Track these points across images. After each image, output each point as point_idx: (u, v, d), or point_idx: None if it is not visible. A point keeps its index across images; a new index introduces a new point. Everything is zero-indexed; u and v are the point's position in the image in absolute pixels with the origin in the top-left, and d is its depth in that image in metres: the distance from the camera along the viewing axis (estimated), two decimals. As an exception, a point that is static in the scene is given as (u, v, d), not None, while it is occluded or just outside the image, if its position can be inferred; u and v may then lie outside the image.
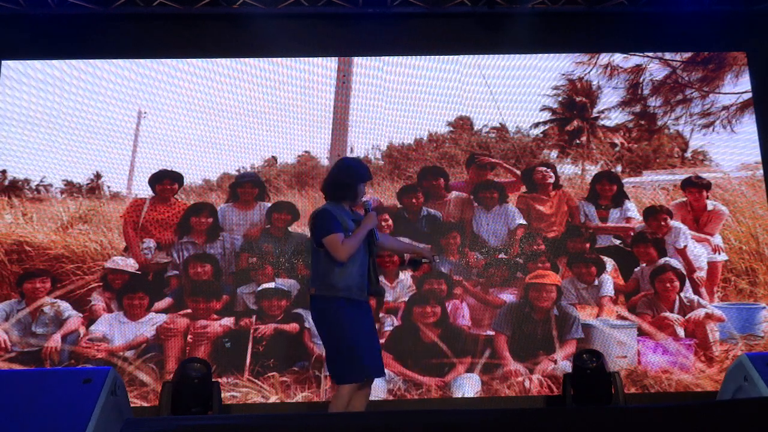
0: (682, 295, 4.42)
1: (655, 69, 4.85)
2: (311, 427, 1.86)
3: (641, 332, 4.37)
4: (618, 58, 4.86)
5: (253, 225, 4.51)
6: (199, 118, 4.64)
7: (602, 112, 4.89)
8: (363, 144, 4.71)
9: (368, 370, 3.19)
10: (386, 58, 4.73)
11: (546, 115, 4.87)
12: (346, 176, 3.31)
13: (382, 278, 4.39)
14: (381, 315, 4.33)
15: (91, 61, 4.66)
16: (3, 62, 4.63)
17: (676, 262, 4.48)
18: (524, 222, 4.56)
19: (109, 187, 4.58)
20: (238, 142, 4.64)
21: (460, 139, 4.79)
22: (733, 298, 4.46)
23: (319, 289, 3.19)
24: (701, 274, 4.48)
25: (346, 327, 3.14)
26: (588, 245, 4.54)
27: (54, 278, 4.36)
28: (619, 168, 4.77)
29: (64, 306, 4.32)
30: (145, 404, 4.12)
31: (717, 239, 4.55)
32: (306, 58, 4.72)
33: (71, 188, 4.57)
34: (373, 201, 4.55)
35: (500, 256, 4.51)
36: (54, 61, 4.65)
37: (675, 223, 4.57)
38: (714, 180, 4.67)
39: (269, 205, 4.56)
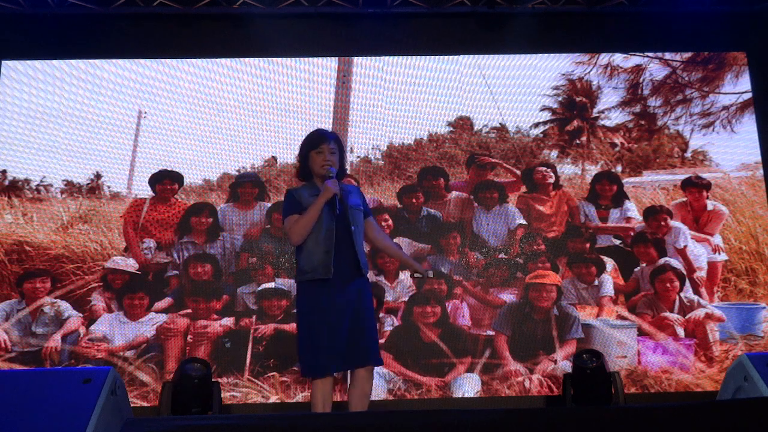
0: (682, 295, 4.42)
1: (655, 69, 4.85)
2: (311, 427, 1.86)
3: (641, 332, 4.37)
4: (618, 58, 4.86)
5: (253, 225, 4.51)
6: (199, 118, 4.65)
7: (602, 112, 4.89)
8: (363, 144, 4.71)
9: (325, 368, 2.87)
10: (386, 58, 4.73)
11: (546, 115, 4.87)
12: (299, 151, 3.10)
13: (381, 278, 4.39)
14: (381, 315, 4.33)
15: (91, 61, 4.66)
16: (3, 62, 4.63)
17: (676, 262, 4.48)
18: (524, 222, 4.56)
19: (109, 187, 4.58)
20: (238, 142, 4.64)
21: (460, 139, 4.79)
22: (733, 298, 4.46)
23: (296, 277, 3.05)
24: (701, 274, 4.48)
25: (304, 314, 2.95)
26: (588, 245, 4.54)
27: (54, 278, 4.36)
28: (619, 168, 4.77)
29: (64, 306, 4.32)
30: (145, 404, 4.12)
31: (717, 239, 4.55)
32: (306, 58, 4.72)
33: (71, 188, 4.57)
34: (373, 201, 4.54)
35: (500, 256, 4.51)
36: (54, 61, 4.64)
37: (675, 223, 4.57)
38: (714, 180, 4.67)
39: (269, 205, 4.56)
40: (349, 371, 3.08)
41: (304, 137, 3.10)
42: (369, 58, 4.73)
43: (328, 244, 2.92)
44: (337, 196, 2.91)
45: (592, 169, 4.75)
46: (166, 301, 4.35)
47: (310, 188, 3.03)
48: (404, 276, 4.41)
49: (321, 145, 3.01)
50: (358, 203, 3.08)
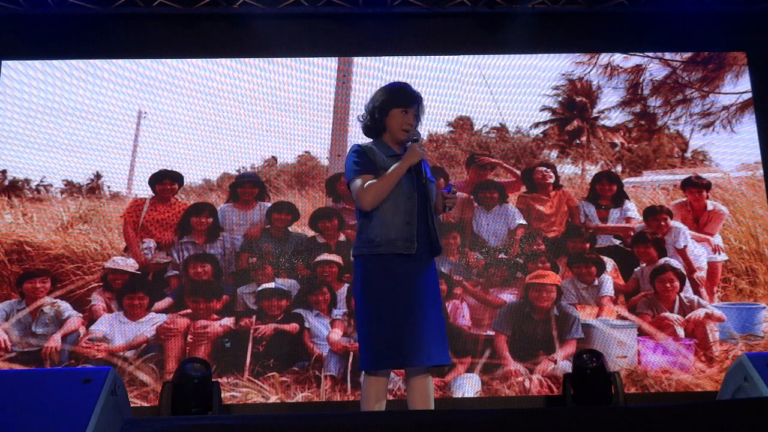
0: (682, 295, 4.42)
1: (655, 69, 4.85)
2: (311, 427, 1.86)
3: (641, 332, 4.37)
4: (618, 58, 4.86)
5: (253, 225, 4.51)
6: (199, 118, 4.65)
7: (602, 112, 4.89)
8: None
9: (386, 360, 2.47)
10: (386, 58, 4.73)
11: (546, 115, 4.87)
12: (374, 103, 2.70)
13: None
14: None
15: (91, 61, 4.66)
16: (3, 62, 4.63)
17: (676, 262, 4.48)
18: (524, 222, 4.56)
19: (109, 187, 4.58)
20: (238, 142, 4.64)
21: (460, 139, 4.79)
22: (733, 298, 4.46)
23: (355, 250, 2.58)
24: (701, 274, 4.48)
25: (369, 293, 2.50)
26: (588, 245, 4.54)
27: (54, 278, 4.36)
28: (619, 168, 4.77)
29: (64, 306, 4.32)
30: (145, 404, 4.12)
31: (717, 239, 4.55)
32: (306, 58, 4.72)
33: (71, 188, 4.57)
34: None
35: (500, 256, 4.51)
36: (54, 61, 4.64)
37: (675, 223, 4.57)
38: (714, 180, 4.67)
39: (269, 205, 4.56)
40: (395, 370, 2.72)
41: (385, 89, 2.73)
42: (369, 58, 4.73)
43: (410, 215, 2.53)
44: (423, 163, 2.58)
45: (592, 169, 4.75)
46: (166, 301, 4.35)
47: (383, 147, 2.66)
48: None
49: (410, 107, 2.65)
50: (432, 177, 2.74)
